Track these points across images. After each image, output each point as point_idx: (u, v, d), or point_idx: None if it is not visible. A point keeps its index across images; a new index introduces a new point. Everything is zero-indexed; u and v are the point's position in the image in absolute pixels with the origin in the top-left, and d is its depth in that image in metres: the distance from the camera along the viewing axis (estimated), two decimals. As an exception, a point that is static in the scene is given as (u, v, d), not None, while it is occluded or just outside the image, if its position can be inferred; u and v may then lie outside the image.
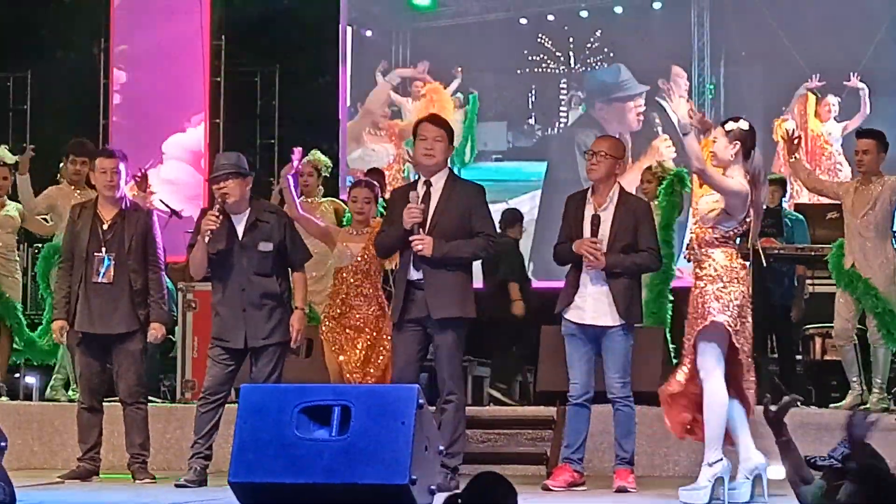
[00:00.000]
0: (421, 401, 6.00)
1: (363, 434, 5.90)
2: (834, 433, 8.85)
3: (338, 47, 14.61)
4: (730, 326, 6.89)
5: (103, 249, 8.43)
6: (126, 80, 14.64)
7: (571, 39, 14.48)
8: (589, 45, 14.38)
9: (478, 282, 10.73)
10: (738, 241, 7.15)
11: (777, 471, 6.71)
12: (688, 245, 7.18)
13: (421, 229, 7.69)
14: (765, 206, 7.21)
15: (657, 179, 10.75)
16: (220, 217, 8.05)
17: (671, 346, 9.67)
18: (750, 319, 7.03)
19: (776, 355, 10.71)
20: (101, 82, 14.71)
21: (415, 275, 7.74)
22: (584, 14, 14.58)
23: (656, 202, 10.41)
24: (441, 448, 6.35)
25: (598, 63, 14.37)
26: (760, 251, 9.47)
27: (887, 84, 13.39)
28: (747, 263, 7.12)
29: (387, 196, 9.53)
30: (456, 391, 7.82)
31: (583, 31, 14.43)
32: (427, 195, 7.78)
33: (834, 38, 13.38)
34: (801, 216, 10.61)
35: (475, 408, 10.40)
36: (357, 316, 8.73)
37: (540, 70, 14.59)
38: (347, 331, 8.73)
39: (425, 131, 7.83)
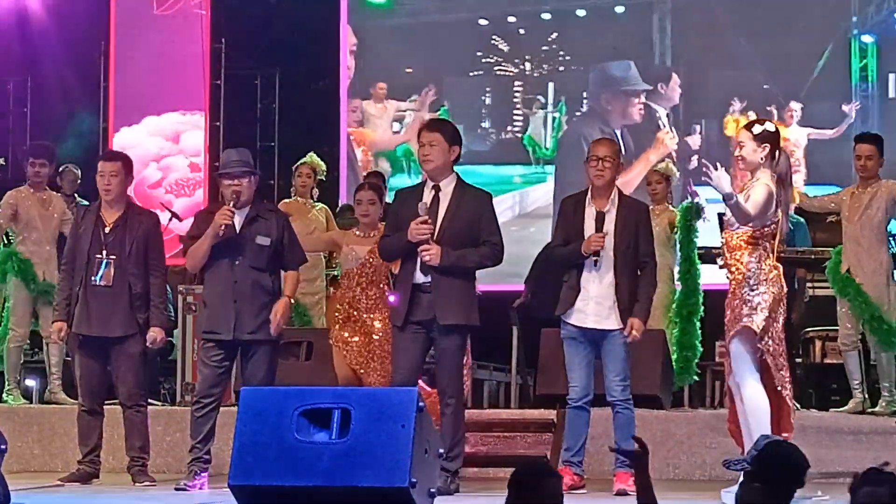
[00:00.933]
0: (421, 404, 6.00)
1: (363, 437, 5.90)
2: (834, 437, 8.89)
3: (338, 50, 14.61)
4: (757, 329, 6.89)
5: (104, 252, 8.43)
6: (126, 83, 14.64)
7: (527, 42, 14.31)
8: (545, 49, 14.22)
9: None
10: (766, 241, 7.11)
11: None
12: (720, 251, 7.17)
13: (430, 238, 7.73)
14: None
15: (665, 180, 10.77)
16: (234, 212, 8.06)
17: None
18: (780, 320, 7.02)
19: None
20: (101, 85, 14.72)
21: (420, 278, 7.76)
22: (546, 16, 14.41)
23: (661, 206, 10.47)
24: (441, 451, 6.35)
25: (555, 67, 14.20)
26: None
27: (841, 89, 13.41)
28: (779, 265, 7.11)
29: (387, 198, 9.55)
30: (456, 395, 7.85)
31: (541, 33, 14.27)
32: (436, 200, 7.82)
33: (791, 44, 13.39)
34: (801, 219, 10.59)
35: (475, 411, 10.40)
36: (365, 319, 8.71)
37: (494, 73, 14.40)
38: (357, 336, 8.71)
39: (422, 137, 7.91)
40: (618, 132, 13.60)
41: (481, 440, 9.35)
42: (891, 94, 13.19)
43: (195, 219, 8.45)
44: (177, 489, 8.01)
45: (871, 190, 9.42)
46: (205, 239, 8.09)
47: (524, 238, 12.28)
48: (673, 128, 13.72)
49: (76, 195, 11.76)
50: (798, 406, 9.85)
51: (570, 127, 14.19)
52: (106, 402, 8.68)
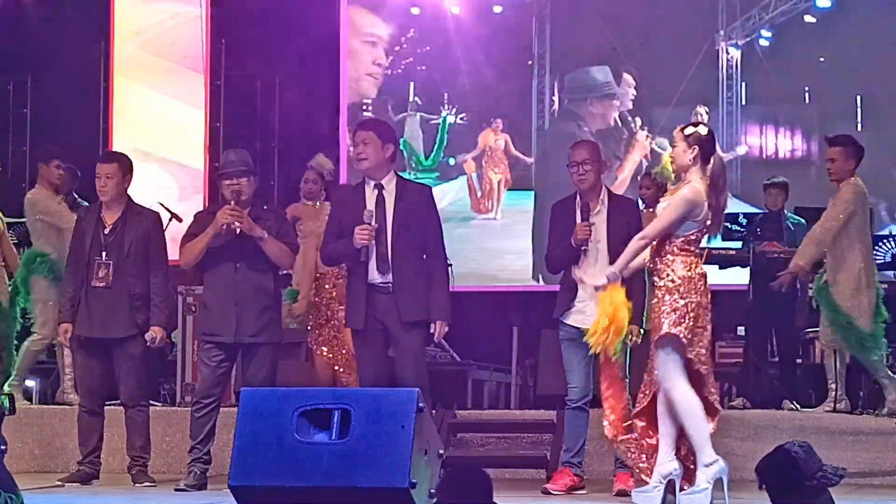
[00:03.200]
0: (421, 404, 6.01)
1: (363, 438, 5.91)
2: (834, 437, 8.90)
3: (338, 51, 14.61)
4: (685, 339, 6.82)
5: (103, 254, 8.44)
6: (127, 83, 14.65)
7: (379, 37, 14.04)
8: (398, 46, 13.97)
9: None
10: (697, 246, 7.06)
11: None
12: (650, 254, 7.10)
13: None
14: (726, 210, 7.17)
15: (656, 185, 10.79)
16: (240, 212, 8.05)
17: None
18: (709, 328, 6.95)
19: (777, 359, 10.70)
20: (102, 86, 14.72)
21: (379, 278, 7.64)
22: (414, 11, 14.08)
23: (653, 210, 10.48)
24: (441, 452, 6.35)
25: (410, 66, 13.96)
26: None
27: (710, 96, 13.53)
28: (706, 272, 7.05)
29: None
30: (425, 393, 7.83)
31: (399, 28, 14.01)
32: (381, 199, 7.70)
33: (664, 50, 13.42)
34: (802, 220, 10.59)
35: (475, 411, 10.42)
36: (342, 320, 8.72)
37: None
38: (335, 337, 8.74)
39: (355, 137, 7.83)
40: (592, 136, 13.58)
41: (481, 440, 9.36)
42: (743, 102, 13.47)
43: (195, 219, 8.45)
44: (177, 490, 8.02)
45: (841, 193, 9.28)
46: (204, 236, 8.09)
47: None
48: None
49: (76, 195, 11.76)
50: (798, 406, 9.89)
51: (549, 128, 14.06)
52: (107, 402, 8.69)
